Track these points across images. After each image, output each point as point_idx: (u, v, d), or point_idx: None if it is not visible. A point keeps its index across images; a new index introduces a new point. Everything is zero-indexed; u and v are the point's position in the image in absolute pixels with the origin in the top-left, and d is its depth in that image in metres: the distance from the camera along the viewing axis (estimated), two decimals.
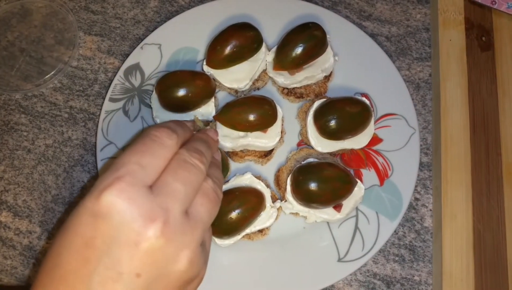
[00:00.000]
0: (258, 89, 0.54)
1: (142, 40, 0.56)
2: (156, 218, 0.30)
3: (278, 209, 0.48)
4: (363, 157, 0.51)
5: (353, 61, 0.54)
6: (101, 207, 0.29)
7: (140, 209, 0.29)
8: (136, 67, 0.55)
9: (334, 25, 0.55)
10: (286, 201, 0.48)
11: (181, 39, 0.56)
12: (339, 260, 0.47)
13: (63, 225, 0.30)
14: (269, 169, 0.52)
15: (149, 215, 0.29)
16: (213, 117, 0.51)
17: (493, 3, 0.56)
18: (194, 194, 0.32)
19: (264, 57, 0.53)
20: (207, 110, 0.51)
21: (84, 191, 0.52)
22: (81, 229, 0.29)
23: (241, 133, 0.50)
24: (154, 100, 0.51)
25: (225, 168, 0.48)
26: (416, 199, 0.51)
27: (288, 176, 0.48)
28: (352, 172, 0.50)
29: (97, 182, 0.31)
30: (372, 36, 0.57)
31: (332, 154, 0.51)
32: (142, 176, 0.31)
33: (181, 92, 0.49)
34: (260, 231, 0.48)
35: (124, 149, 0.51)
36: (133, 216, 0.29)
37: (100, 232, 0.29)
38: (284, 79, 0.52)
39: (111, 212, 0.29)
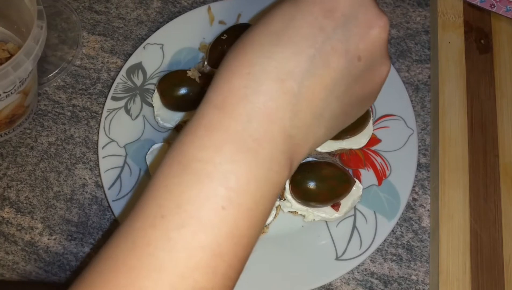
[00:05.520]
0: None
1: (144, 40, 0.57)
2: (385, 14, 0.31)
3: (277, 207, 0.49)
4: (362, 157, 0.51)
5: None
6: None
7: (374, 1, 0.31)
8: (139, 66, 0.55)
9: None
10: (285, 199, 0.48)
11: (183, 39, 0.57)
12: (337, 258, 0.47)
13: None
14: None
15: (381, 10, 0.31)
16: None
17: (492, 6, 0.57)
18: None
19: None
20: None
21: (86, 188, 0.53)
22: (322, 1, 0.30)
23: None
24: (156, 99, 0.52)
25: None
26: (414, 199, 0.52)
27: None
28: (350, 172, 0.51)
29: None
30: None
31: (331, 154, 0.51)
32: None
33: (183, 91, 0.50)
34: None
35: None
36: (371, 2, 0.31)
37: (342, 5, 0.30)
38: None
39: None
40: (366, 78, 0.32)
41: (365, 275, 0.49)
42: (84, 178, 0.53)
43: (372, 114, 0.52)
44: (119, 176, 0.51)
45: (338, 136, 0.50)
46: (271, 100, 0.28)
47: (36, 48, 0.45)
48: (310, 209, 0.48)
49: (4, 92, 0.46)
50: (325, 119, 0.30)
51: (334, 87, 0.30)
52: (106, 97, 0.55)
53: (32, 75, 0.48)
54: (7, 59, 0.50)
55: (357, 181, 0.48)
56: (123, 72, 0.55)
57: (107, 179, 0.51)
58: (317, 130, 0.30)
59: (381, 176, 0.50)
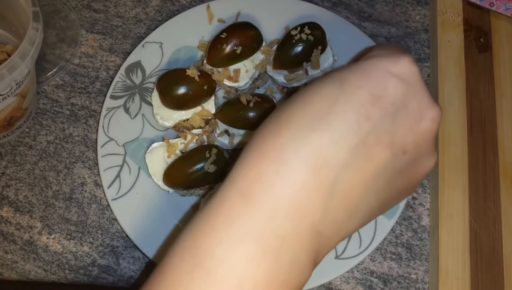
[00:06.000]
0: (258, 88, 0.55)
1: (143, 38, 0.57)
2: (438, 105, 0.29)
3: None
4: None
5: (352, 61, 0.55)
6: (401, 69, 0.28)
7: (427, 89, 0.29)
8: (137, 65, 0.55)
9: (334, 25, 0.56)
10: None
11: (182, 38, 0.56)
12: (337, 257, 0.47)
13: (332, 78, 0.28)
14: None
15: (434, 100, 0.29)
16: (213, 115, 0.51)
17: (492, 5, 0.57)
18: None
19: (264, 57, 0.53)
20: (207, 108, 0.52)
21: (85, 187, 0.52)
22: (370, 85, 0.27)
23: (241, 131, 0.51)
24: (155, 97, 0.52)
25: None
26: (414, 198, 0.52)
27: None
28: None
29: (382, 52, 0.30)
30: (372, 36, 0.58)
31: None
32: None
33: (182, 90, 0.50)
34: None
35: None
36: (424, 90, 0.28)
37: (392, 91, 0.27)
38: (283, 78, 0.52)
39: (410, 78, 0.28)
40: (409, 172, 0.29)
41: (365, 274, 0.49)
42: (83, 177, 0.53)
43: None
44: (118, 175, 0.51)
45: None
46: (303, 192, 0.25)
47: (32, 50, 0.45)
48: None
49: (0, 95, 0.45)
50: (360, 214, 0.28)
51: (374, 181, 0.27)
52: (105, 96, 0.55)
53: (30, 77, 0.48)
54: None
55: None
56: (122, 70, 0.55)
57: (106, 178, 0.50)
58: (350, 225, 0.28)
59: None
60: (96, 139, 0.53)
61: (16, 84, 0.46)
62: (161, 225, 0.49)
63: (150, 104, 0.53)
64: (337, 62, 0.54)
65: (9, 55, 0.52)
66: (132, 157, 0.51)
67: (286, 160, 0.26)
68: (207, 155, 0.47)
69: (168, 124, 0.52)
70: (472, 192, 0.50)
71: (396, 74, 0.28)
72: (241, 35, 0.52)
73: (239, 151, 0.29)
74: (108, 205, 0.50)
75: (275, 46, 0.53)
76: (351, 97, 0.27)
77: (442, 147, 0.52)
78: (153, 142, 0.51)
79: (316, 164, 0.26)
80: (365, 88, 0.27)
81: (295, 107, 0.28)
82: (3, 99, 0.46)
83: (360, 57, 0.30)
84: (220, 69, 0.53)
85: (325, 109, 0.27)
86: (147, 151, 0.50)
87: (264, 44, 0.54)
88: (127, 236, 0.49)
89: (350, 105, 0.27)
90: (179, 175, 0.48)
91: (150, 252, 0.47)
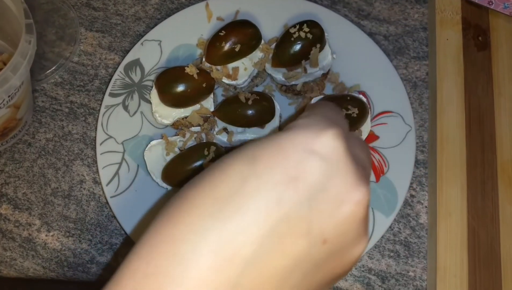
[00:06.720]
0: (257, 85, 0.55)
1: (142, 36, 0.57)
2: (366, 185, 0.25)
3: None
4: None
5: (351, 59, 0.55)
6: (323, 145, 0.24)
7: (354, 167, 0.25)
8: (136, 63, 0.55)
9: (333, 23, 0.56)
10: None
11: (181, 36, 0.56)
12: None
13: (244, 153, 0.25)
14: None
15: (361, 178, 0.25)
16: (212, 112, 0.51)
17: (490, 3, 0.57)
18: None
19: (263, 55, 0.54)
20: (206, 105, 0.52)
21: (84, 184, 0.53)
22: (285, 165, 0.24)
23: (239, 129, 0.51)
24: (154, 95, 0.52)
25: None
26: (412, 196, 0.52)
27: None
28: None
29: (305, 122, 0.26)
30: (370, 35, 0.58)
31: None
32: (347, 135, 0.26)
33: (180, 88, 0.50)
34: None
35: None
36: (349, 170, 0.25)
37: (310, 172, 0.24)
38: (282, 76, 0.52)
39: (333, 156, 0.24)
40: (332, 262, 0.26)
41: (363, 271, 0.49)
42: (82, 175, 0.53)
43: (370, 110, 0.52)
44: (117, 173, 0.51)
45: None
46: None
47: (24, 63, 0.44)
48: None
49: None
50: None
51: (288, 275, 0.24)
52: (104, 94, 0.55)
53: (23, 89, 0.47)
54: None
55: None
56: (121, 68, 0.55)
57: (105, 175, 0.51)
58: None
59: (379, 173, 0.50)
60: (95, 136, 0.53)
61: (9, 96, 0.45)
62: None
63: (149, 102, 0.53)
64: (336, 60, 0.54)
65: (5, 64, 0.52)
66: (131, 155, 0.52)
67: (181, 255, 0.22)
68: (206, 152, 0.48)
69: (167, 121, 0.52)
70: (470, 190, 0.50)
71: (316, 151, 0.24)
72: (240, 33, 0.52)
73: None
74: (107, 202, 0.50)
75: (274, 44, 0.53)
76: (263, 178, 0.23)
77: (440, 145, 0.52)
78: (152, 139, 0.51)
79: (217, 260, 0.22)
80: (279, 167, 0.24)
81: (200, 188, 0.25)
82: None
83: (298, 114, 0.27)
84: (218, 67, 0.53)
85: (232, 192, 0.23)
86: (146, 149, 0.51)
87: (262, 42, 0.54)
88: (125, 233, 0.49)
89: (261, 188, 0.23)
90: (177, 172, 0.48)
91: None
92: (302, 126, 0.26)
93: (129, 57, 0.55)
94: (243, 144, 0.26)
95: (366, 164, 0.28)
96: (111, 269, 0.49)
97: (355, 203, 0.25)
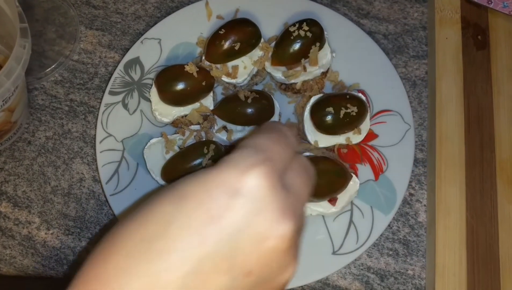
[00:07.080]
0: (256, 84, 0.55)
1: (142, 34, 0.57)
2: (290, 218, 0.26)
3: None
4: (359, 152, 0.52)
5: (350, 58, 0.55)
6: (247, 184, 0.25)
7: (278, 202, 0.26)
8: (136, 61, 0.55)
9: (332, 22, 0.56)
10: None
11: (180, 34, 0.57)
12: (334, 253, 0.48)
13: (172, 191, 0.26)
14: None
15: (285, 213, 0.26)
16: (211, 111, 0.51)
17: (489, 2, 0.57)
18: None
19: (263, 53, 0.54)
20: (205, 104, 0.52)
21: (83, 182, 0.53)
22: (209, 204, 0.25)
23: (239, 127, 0.51)
24: (153, 93, 0.52)
25: None
26: (411, 194, 0.52)
27: None
28: (347, 166, 0.51)
29: (234, 157, 0.27)
30: (370, 33, 0.58)
31: (328, 149, 0.51)
32: (280, 167, 0.27)
33: (180, 86, 0.50)
34: None
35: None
36: (272, 206, 0.25)
37: (231, 211, 0.25)
38: (281, 74, 0.53)
39: (257, 193, 0.25)
40: (261, 289, 0.27)
41: (362, 269, 0.49)
42: (82, 173, 0.53)
43: (370, 109, 0.52)
44: (116, 171, 0.51)
45: (335, 132, 0.50)
46: None
47: (18, 69, 0.43)
48: (307, 204, 0.48)
49: None
50: None
51: None
52: (103, 92, 0.55)
53: (18, 92, 0.47)
54: None
55: (354, 176, 0.48)
56: (120, 66, 0.55)
57: (104, 173, 0.51)
58: None
59: (378, 171, 0.51)
60: (95, 135, 0.53)
61: (3, 101, 0.45)
62: None
63: (149, 100, 0.53)
64: (335, 59, 0.54)
65: (1, 66, 0.52)
66: (131, 153, 0.52)
67: None
68: (205, 151, 0.48)
69: (167, 120, 0.52)
70: (469, 188, 0.50)
71: (239, 191, 0.25)
72: (240, 32, 0.52)
73: None
74: (107, 200, 0.50)
75: (274, 43, 0.54)
76: (188, 217, 0.25)
77: (439, 143, 0.52)
78: (151, 138, 0.52)
79: None
80: (203, 207, 0.25)
81: (129, 227, 0.26)
82: None
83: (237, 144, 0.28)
84: (218, 66, 0.53)
85: (158, 233, 0.25)
86: (146, 147, 0.51)
87: (262, 40, 0.54)
88: None
89: (184, 227, 0.24)
90: (177, 170, 0.48)
91: None
92: (230, 163, 0.26)
93: (129, 55, 0.55)
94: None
95: (301, 190, 0.29)
96: None
97: (277, 238, 0.25)
